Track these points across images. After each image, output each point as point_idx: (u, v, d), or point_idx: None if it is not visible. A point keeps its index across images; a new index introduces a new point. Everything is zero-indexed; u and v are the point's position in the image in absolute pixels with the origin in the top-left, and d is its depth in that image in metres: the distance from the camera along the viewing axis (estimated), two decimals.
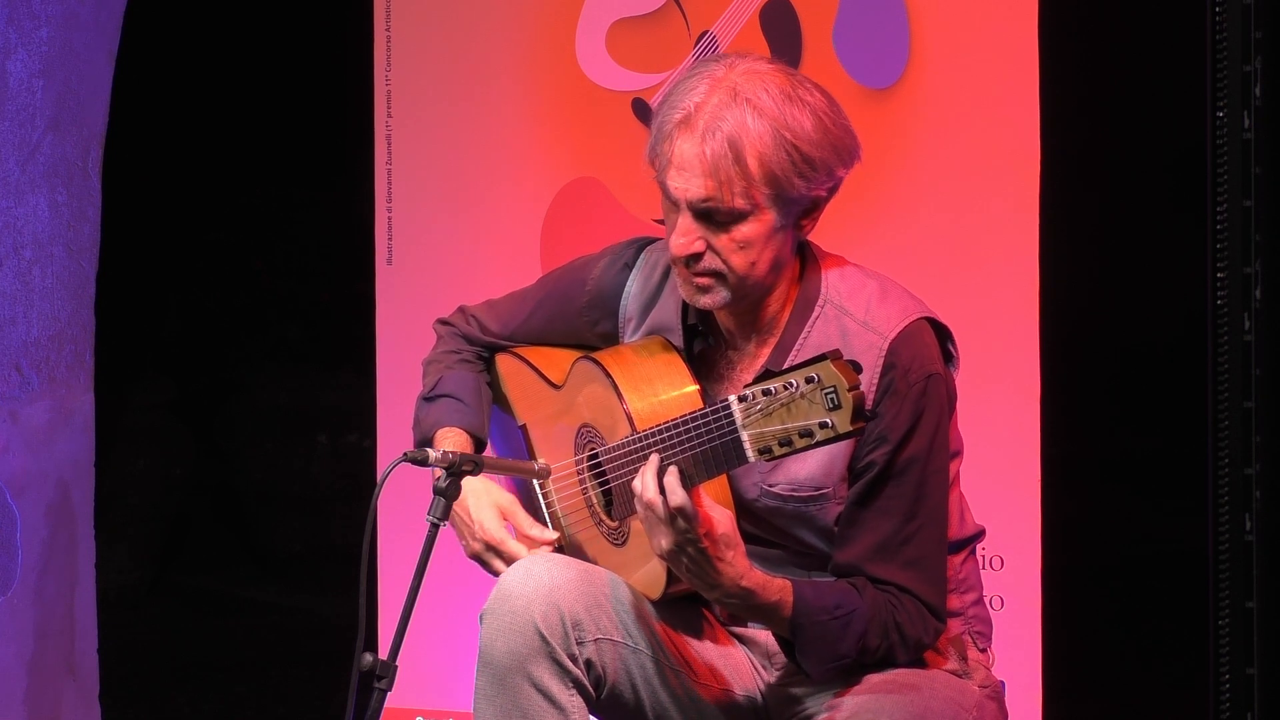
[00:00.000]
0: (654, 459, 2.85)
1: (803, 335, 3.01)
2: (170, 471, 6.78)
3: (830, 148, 2.94)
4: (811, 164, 2.93)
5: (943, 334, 3.05)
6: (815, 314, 3.02)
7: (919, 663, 3.01)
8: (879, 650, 2.94)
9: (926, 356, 2.99)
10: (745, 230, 2.94)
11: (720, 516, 2.84)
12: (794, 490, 2.99)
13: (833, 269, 3.06)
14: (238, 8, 6.58)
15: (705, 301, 2.99)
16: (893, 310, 3.01)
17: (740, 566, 2.86)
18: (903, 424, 2.95)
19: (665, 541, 2.83)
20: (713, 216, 2.94)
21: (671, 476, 2.81)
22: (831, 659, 2.93)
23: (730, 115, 2.91)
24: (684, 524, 2.81)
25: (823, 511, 3.00)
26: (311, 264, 6.88)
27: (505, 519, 3.14)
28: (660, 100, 3.02)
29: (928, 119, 3.99)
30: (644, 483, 2.84)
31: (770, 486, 2.99)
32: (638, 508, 2.86)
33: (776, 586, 2.90)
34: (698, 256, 2.96)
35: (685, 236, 2.95)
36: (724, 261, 2.95)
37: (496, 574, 3.11)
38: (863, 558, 2.96)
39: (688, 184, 2.93)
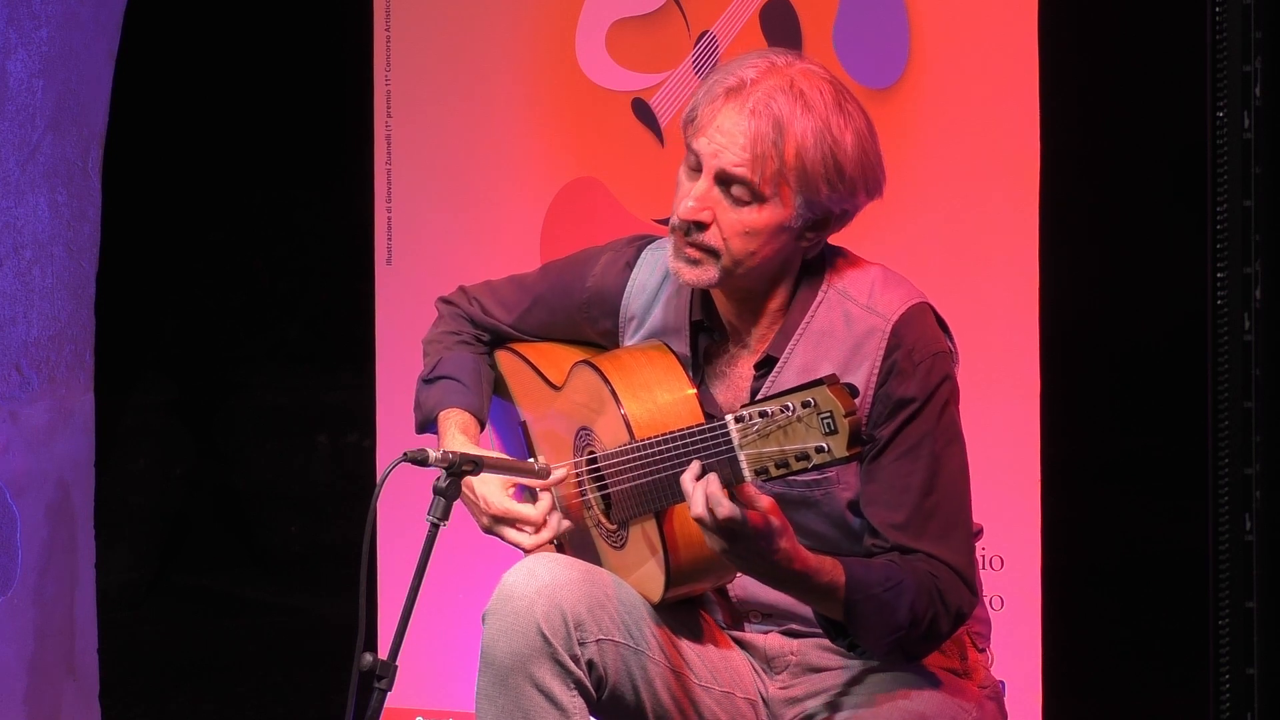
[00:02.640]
0: (695, 466, 2.80)
1: (805, 321, 3.01)
2: (170, 471, 6.77)
3: (861, 169, 2.95)
4: (842, 176, 2.94)
5: (942, 326, 3.05)
6: (818, 299, 3.02)
7: (920, 667, 3.01)
8: (926, 617, 2.90)
9: (931, 336, 3.00)
10: (755, 217, 2.93)
11: (766, 506, 2.79)
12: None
13: (833, 257, 3.07)
14: (238, 8, 6.58)
15: (691, 275, 2.97)
16: (895, 295, 3.02)
17: (792, 552, 2.82)
18: (910, 401, 2.95)
19: (721, 545, 2.79)
20: (731, 190, 2.93)
21: (714, 484, 2.76)
22: (889, 631, 2.89)
23: (783, 100, 2.91)
24: (736, 528, 2.76)
25: (828, 497, 2.99)
26: (311, 264, 6.88)
27: (509, 486, 3.15)
28: (711, 72, 3.04)
29: (928, 119, 3.99)
30: (691, 498, 2.77)
31: None
32: (691, 514, 2.80)
33: (829, 565, 2.87)
34: (700, 226, 2.95)
35: (697, 200, 2.94)
36: (724, 240, 2.94)
37: (513, 543, 3.12)
38: (892, 539, 2.94)
39: (720, 150, 2.92)
